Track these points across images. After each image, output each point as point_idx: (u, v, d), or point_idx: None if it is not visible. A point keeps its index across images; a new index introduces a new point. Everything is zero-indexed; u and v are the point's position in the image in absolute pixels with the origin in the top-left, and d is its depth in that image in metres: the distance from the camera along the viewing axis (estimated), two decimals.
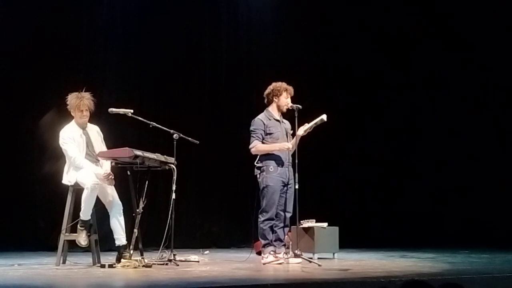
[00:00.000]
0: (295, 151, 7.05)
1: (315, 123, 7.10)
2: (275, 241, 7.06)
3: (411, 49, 10.88)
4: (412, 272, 6.09)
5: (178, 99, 9.93)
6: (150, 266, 6.39)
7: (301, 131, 7.08)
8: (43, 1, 9.19)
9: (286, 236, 7.21)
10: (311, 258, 7.10)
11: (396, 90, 10.84)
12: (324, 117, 7.05)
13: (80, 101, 6.59)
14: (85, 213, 6.47)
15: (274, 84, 7.24)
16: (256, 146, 7.09)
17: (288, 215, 7.11)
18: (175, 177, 6.80)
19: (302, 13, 10.83)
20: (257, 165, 7.13)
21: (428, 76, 10.88)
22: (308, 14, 10.85)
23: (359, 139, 10.91)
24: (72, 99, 6.63)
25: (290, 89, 7.21)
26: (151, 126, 7.03)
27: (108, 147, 6.84)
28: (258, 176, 7.11)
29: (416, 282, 3.22)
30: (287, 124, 7.27)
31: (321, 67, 10.83)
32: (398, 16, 10.83)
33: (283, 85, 7.21)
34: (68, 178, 6.60)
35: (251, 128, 7.15)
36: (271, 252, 6.99)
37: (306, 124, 7.11)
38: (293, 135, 7.15)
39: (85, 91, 6.70)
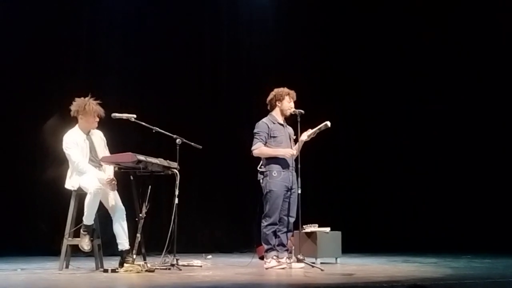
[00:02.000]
0: (297, 156, 7.06)
1: (319, 129, 7.11)
2: (278, 245, 7.06)
3: (412, 50, 10.88)
4: (415, 277, 6.08)
5: (180, 103, 9.95)
6: (153, 271, 6.39)
7: (305, 136, 7.09)
8: (44, 4, 9.21)
9: (289, 241, 7.21)
10: (313, 263, 7.10)
11: (399, 93, 10.84)
12: (328, 123, 7.06)
13: (95, 107, 6.64)
14: (88, 218, 6.47)
15: (276, 89, 7.25)
16: (260, 148, 7.07)
17: (292, 220, 7.10)
18: (178, 182, 6.80)
19: (304, 14, 10.85)
20: (260, 170, 7.12)
21: (430, 76, 10.88)
22: (309, 16, 10.87)
23: (362, 144, 10.92)
24: (83, 104, 6.64)
25: (293, 93, 7.23)
26: (154, 131, 7.04)
27: (111, 152, 6.85)
28: (261, 181, 7.11)
29: (419, 287, 3.22)
30: (290, 129, 7.27)
31: (322, 69, 10.84)
32: (399, 17, 10.85)
33: (285, 89, 7.22)
34: (71, 183, 6.61)
35: (255, 130, 7.15)
36: (274, 257, 6.99)
37: (310, 129, 7.12)
38: (296, 140, 7.15)
39: (92, 98, 6.73)
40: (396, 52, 10.87)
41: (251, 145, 7.14)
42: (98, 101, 6.72)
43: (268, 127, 7.11)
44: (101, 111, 6.69)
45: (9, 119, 8.92)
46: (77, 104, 6.69)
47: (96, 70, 9.54)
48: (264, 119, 7.20)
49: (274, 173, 7.03)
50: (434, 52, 10.81)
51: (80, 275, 6.29)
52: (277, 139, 7.12)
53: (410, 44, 10.87)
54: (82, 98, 6.70)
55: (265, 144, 7.09)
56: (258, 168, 7.15)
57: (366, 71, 10.90)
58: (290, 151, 7.04)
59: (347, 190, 10.83)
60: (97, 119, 6.71)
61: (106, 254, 7.02)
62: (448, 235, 10.12)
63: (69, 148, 6.58)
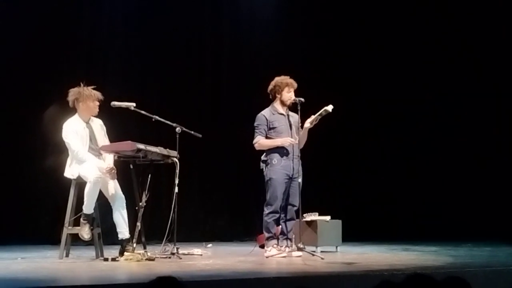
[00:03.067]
0: (304, 143, 7.06)
1: (320, 114, 7.08)
2: (279, 234, 7.08)
3: (411, 45, 10.85)
4: (415, 266, 6.09)
5: (181, 93, 9.91)
6: (153, 260, 6.40)
7: (308, 123, 7.08)
8: (44, 4, 9.12)
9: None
10: (314, 252, 7.10)
11: (399, 87, 10.81)
12: (329, 108, 7.02)
13: (93, 91, 6.65)
14: (88, 206, 6.47)
15: (276, 79, 7.23)
16: (259, 142, 7.11)
17: (294, 208, 7.09)
18: (177, 171, 6.80)
19: (305, 11, 10.78)
20: (263, 158, 7.15)
21: (430, 73, 10.84)
22: (310, 13, 10.80)
23: (362, 133, 10.89)
24: (80, 91, 6.64)
25: (292, 82, 7.20)
26: (153, 119, 7.03)
27: (111, 141, 6.84)
28: (263, 169, 7.13)
29: (419, 275, 3.20)
30: (295, 117, 7.20)
31: (323, 65, 10.78)
32: (398, 15, 10.81)
33: (285, 79, 7.20)
34: (71, 171, 6.60)
35: (255, 124, 7.18)
36: (274, 245, 6.99)
37: (312, 116, 7.11)
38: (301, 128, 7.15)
39: (86, 85, 6.71)
40: (396, 51, 10.82)
41: (251, 135, 7.16)
42: (92, 87, 6.71)
43: (266, 119, 7.13)
44: (98, 93, 6.69)
45: (9, 109, 8.87)
46: (73, 93, 6.68)
47: (96, 70, 9.48)
48: (263, 111, 7.21)
49: (274, 161, 7.04)
50: (435, 50, 10.79)
51: (80, 264, 6.30)
52: (277, 129, 7.12)
53: (410, 42, 10.82)
54: (76, 87, 6.69)
55: (266, 135, 7.10)
56: (262, 158, 7.17)
57: (367, 64, 10.85)
58: (288, 140, 7.03)
59: (347, 178, 10.81)
60: (97, 103, 6.69)
61: (106, 243, 7.02)
62: (449, 224, 10.11)
63: (68, 136, 6.57)
